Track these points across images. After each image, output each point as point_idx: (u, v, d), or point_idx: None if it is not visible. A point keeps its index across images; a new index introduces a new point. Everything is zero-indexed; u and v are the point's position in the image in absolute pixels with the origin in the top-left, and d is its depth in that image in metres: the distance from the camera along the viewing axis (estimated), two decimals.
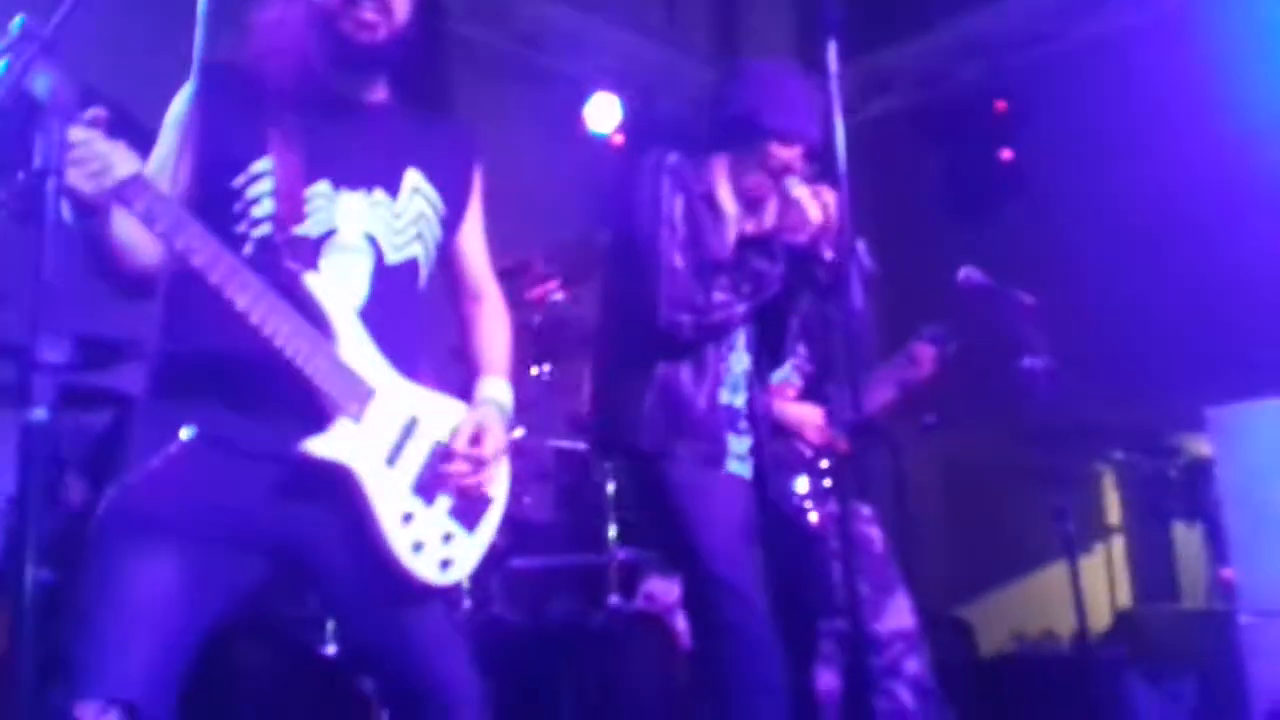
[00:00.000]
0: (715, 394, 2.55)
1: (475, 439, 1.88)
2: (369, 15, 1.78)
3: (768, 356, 2.76)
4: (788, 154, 2.60)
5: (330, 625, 2.84)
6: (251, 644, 2.62)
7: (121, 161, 1.55)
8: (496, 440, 1.91)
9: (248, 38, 1.85)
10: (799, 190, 2.53)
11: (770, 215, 2.65)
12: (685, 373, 2.54)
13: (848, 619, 3.07)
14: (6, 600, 1.28)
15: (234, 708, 2.49)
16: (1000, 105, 6.14)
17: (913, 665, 3.17)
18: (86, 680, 1.60)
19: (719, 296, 2.50)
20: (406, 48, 1.85)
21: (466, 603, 3.15)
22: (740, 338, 2.67)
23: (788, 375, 3.07)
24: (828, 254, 2.42)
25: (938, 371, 3.66)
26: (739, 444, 2.62)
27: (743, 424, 2.64)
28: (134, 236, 1.69)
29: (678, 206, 2.54)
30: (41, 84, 1.37)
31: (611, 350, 2.68)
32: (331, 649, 2.82)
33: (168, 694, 1.67)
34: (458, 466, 1.85)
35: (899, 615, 3.22)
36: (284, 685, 2.63)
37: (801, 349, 2.97)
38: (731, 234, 2.61)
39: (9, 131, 1.41)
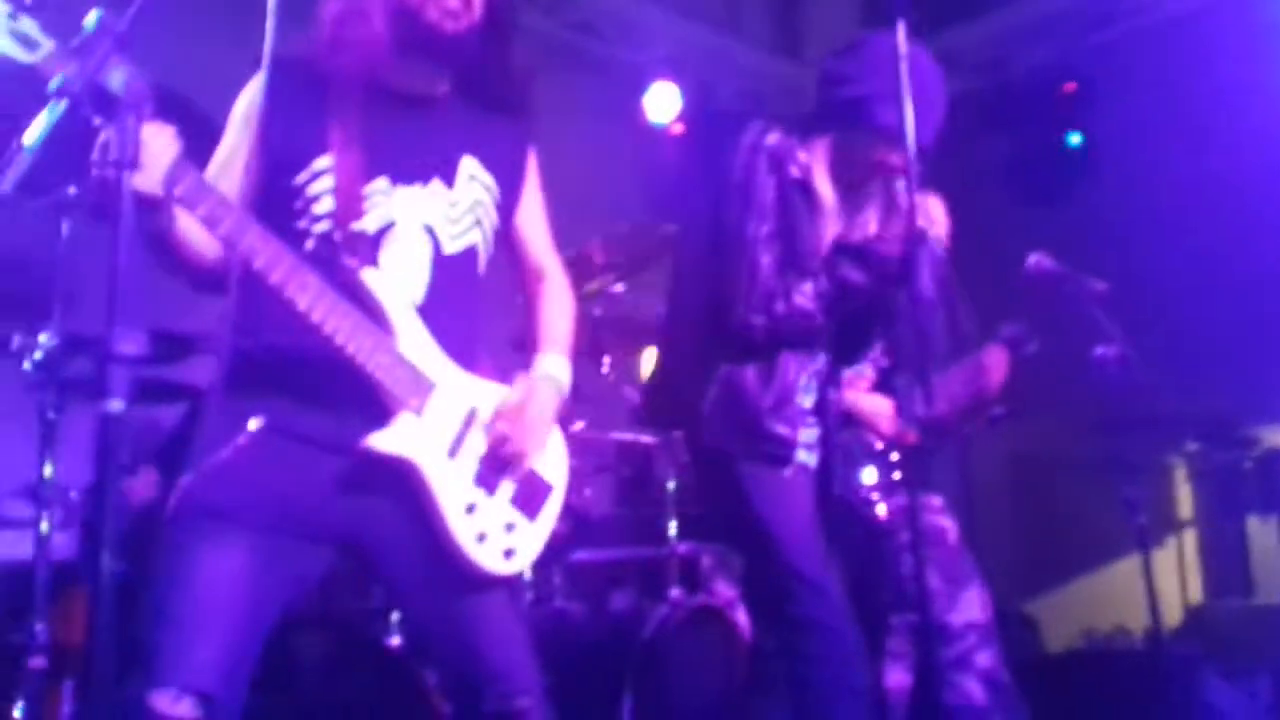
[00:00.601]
0: (783, 396, 2.47)
1: (520, 405, 1.88)
2: (454, 4, 1.80)
3: (844, 356, 2.67)
4: (890, 153, 2.44)
5: (394, 617, 2.86)
6: (316, 635, 2.65)
7: (163, 148, 1.55)
8: (540, 408, 1.91)
9: (318, 29, 1.85)
10: (916, 201, 2.27)
11: (873, 219, 2.55)
12: (751, 373, 2.45)
13: (918, 612, 3.03)
14: (83, 591, 1.30)
15: (298, 699, 2.51)
16: (1069, 87, 6.01)
17: (984, 658, 3.10)
18: (161, 669, 1.63)
19: (800, 301, 2.39)
20: (481, 40, 1.86)
21: (529, 595, 3.16)
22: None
23: (861, 367, 3.01)
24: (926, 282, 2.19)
25: (1010, 376, 3.58)
26: (805, 434, 2.56)
27: (810, 418, 2.58)
28: (198, 235, 1.71)
29: (770, 193, 2.43)
30: (116, 78, 1.38)
31: (680, 336, 2.61)
32: (395, 641, 2.84)
33: (239, 682, 1.70)
34: (498, 428, 1.85)
35: (971, 608, 3.15)
36: (347, 677, 2.65)
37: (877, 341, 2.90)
38: (828, 226, 2.50)
39: (81, 127, 1.43)
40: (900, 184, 2.37)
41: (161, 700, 1.61)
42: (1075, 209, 6.01)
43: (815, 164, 2.51)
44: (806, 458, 2.56)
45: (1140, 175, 5.71)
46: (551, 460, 1.97)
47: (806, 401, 2.55)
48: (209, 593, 1.68)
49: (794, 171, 2.48)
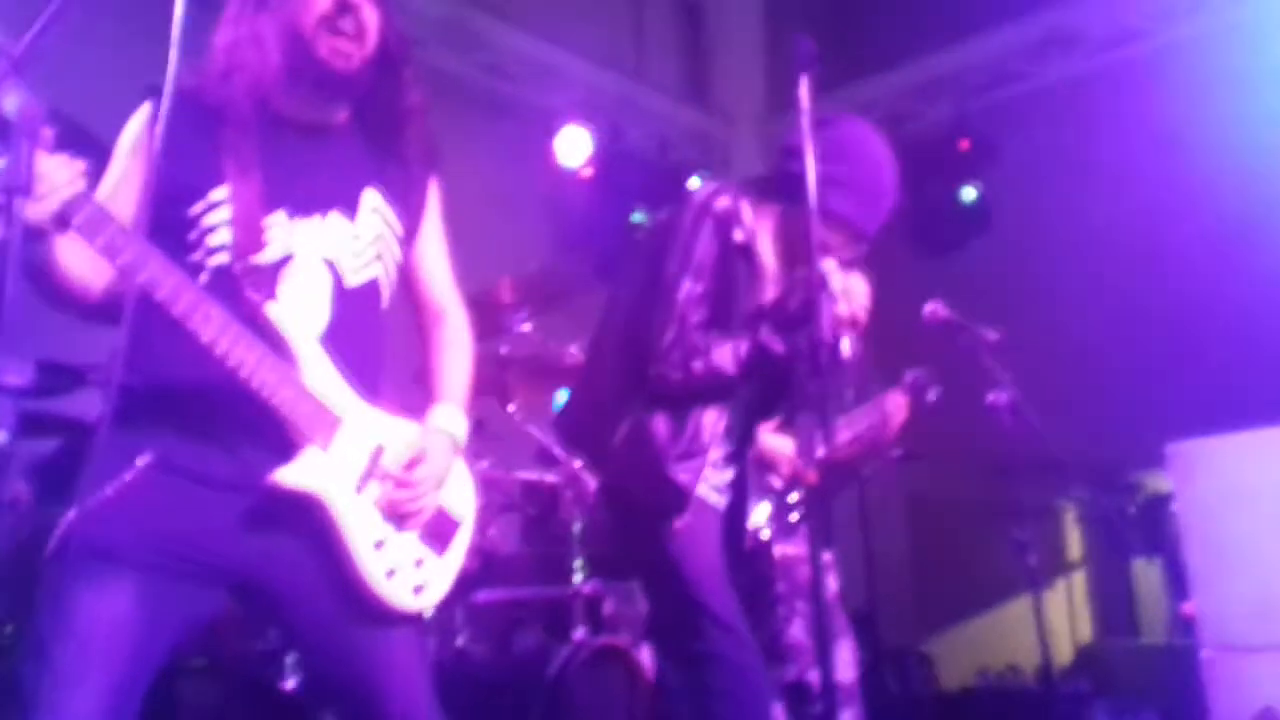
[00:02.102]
0: (690, 448, 2.48)
1: (410, 464, 1.84)
2: (345, 44, 1.78)
3: (761, 412, 2.69)
4: (833, 237, 2.46)
5: (289, 660, 2.78)
6: (206, 680, 2.57)
7: (68, 180, 1.51)
8: (434, 466, 1.87)
9: (211, 57, 1.82)
10: (836, 278, 2.36)
11: (799, 289, 2.56)
12: (661, 420, 2.47)
13: (793, 668, 3.06)
14: None
15: None
16: (964, 144, 6.23)
17: (845, 718, 3.14)
18: (40, 712, 1.56)
19: (719, 361, 2.42)
20: (374, 76, 1.84)
21: (431, 636, 3.10)
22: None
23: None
24: (845, 347, 2.22)
25: (909, 421, 3.66)
26: (718, 476, 2.60)
27: (724, 462, 2.59)
28: (81, 267, 1.66)
29: (712, 254, 2.47)
30: (10, 102, 1.35)
31: (599, 372, 2.63)
32: (290, 684, 2.77)
33: None
34: (389, 489, 1.81)
35: (841, 668, 3.19)
36: None
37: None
38: (766, 291, 2.55)
39: None
40: (830, 265, 2.37)
41: None
42: (970, 261, 6.22)
43: (761, 230, 2.56)
44: (717, 499, 2.58)
45: (1032, 229, 5.95)
46: (459, 494, 1.95)
47: (715, 454, 2.56)
48: (91, 635, 1.61)
49: (738, 235, 2.52)
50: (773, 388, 2.63)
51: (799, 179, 2.46)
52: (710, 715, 2.36)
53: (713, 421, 2.52)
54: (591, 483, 3.58)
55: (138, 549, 1.65)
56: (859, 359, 2.55)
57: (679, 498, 2.46)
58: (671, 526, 2.43)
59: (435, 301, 2.07)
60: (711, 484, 2.56)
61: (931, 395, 3.74)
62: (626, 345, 2.55)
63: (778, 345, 2.44)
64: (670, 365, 2.41)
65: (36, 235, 1.54)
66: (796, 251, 2.57)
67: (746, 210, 2.53)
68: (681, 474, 2.46)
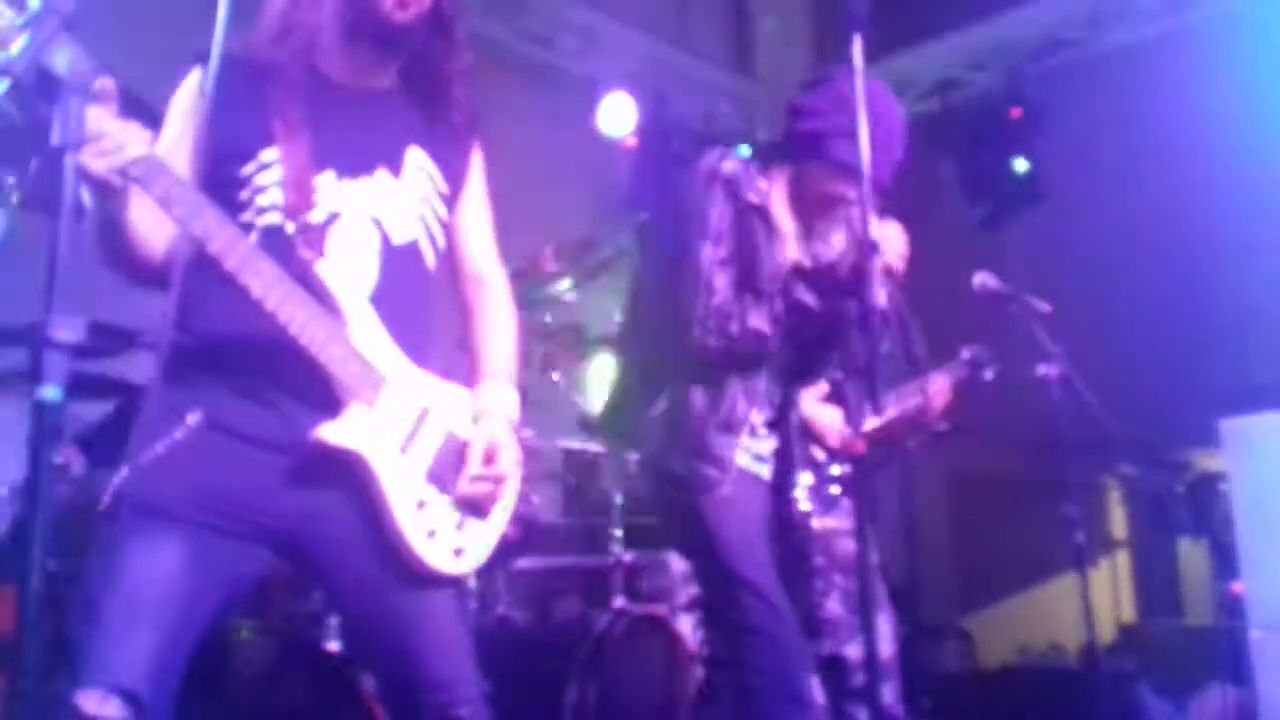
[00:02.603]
0: (729, 419, 2.47)
1: (489, 457, 1.86)
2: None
3: (801, 376, 2.68)
4: (843, 188, 2.47)
5: (332, 621, 2.81)
6: (252, 639, 2.60)
7: (134, 140, 1.54)
8: (511, 454, 1.89)
9: (264, 19, 1.83)
10: (871, 230, 2.26)
11: (835, 246, 2.56)
12: (699, 394, 2.47)
13: (829, 642, 3.04)
14: (13, 586, 1.26)
15: (233, 704, 2.46)
16: (1015, 112, 6.11)
17: (883, 694, 3.11)
18: (88, 669, 1.58)
19: (755, 324, 2.42)
20: (427, 32, 1.85)
21: (472, 603, 3.12)
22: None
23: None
24: (881, 298, 2.17)
25: (951, 403, 3.62)
26: (760, 445, 2.58)
27: (766, 430, 2.59)
28: (147, 225, 1.68)
29: (727, 218, 2.46)
30: (62, 59, 1.34)
31: (635, 350, 2.64)
32: (333, 645, 2.79)
33: (170, 683, 1.65)
34: (480, 486, 1.84)
35: (880, 642, 3.16)
36: (283, 681, 2.60)
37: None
38: (785, 251, 2.53)
39: (23, 110, 1.39)
40: (861, 225, 2.32)
41: (88, 701, 1.55)
42: (1021, 232, 6.12)
43: (774, 191, 2.55)
44: (758, 469, 2.57)
45: (1084, 201, 5.84)
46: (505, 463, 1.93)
47: (757, 419, 2.56)
48: (140, 592, 1.63)
49: (751, 197, 2.50)
50: (812, 349, 2.61)
51: (809, 136, 2.49)
52: (744, 686, 2.36)
53: (751, 390, 2.51)
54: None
55: (187, 507, 1.67)
56: (900, 313, 2.52)
57: (719, 471, 2.45)
58: (710, 497, 2.43)
59: (475, 268, 2.06)
60: (753, 453, 2.54)
61: (989, 374, 3.69)
62: (654, 322, 2.55)
63: (811, 300, 2.44)
64: (708, 331, 2.40)
65: (104, 190, 1.56)
66: (814, 210, 2.56)
67: (755, 172, 2.52)
68: (721, 448, 2.45)
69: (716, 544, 2.41)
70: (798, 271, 2.51)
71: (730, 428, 2.46)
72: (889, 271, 2.36)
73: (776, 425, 2.61)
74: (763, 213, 2.51)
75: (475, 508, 1.87)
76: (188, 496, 1.67)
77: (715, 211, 2.45)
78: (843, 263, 2.51)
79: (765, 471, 2.59)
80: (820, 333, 2.56)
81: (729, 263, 2.44)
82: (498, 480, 1.86)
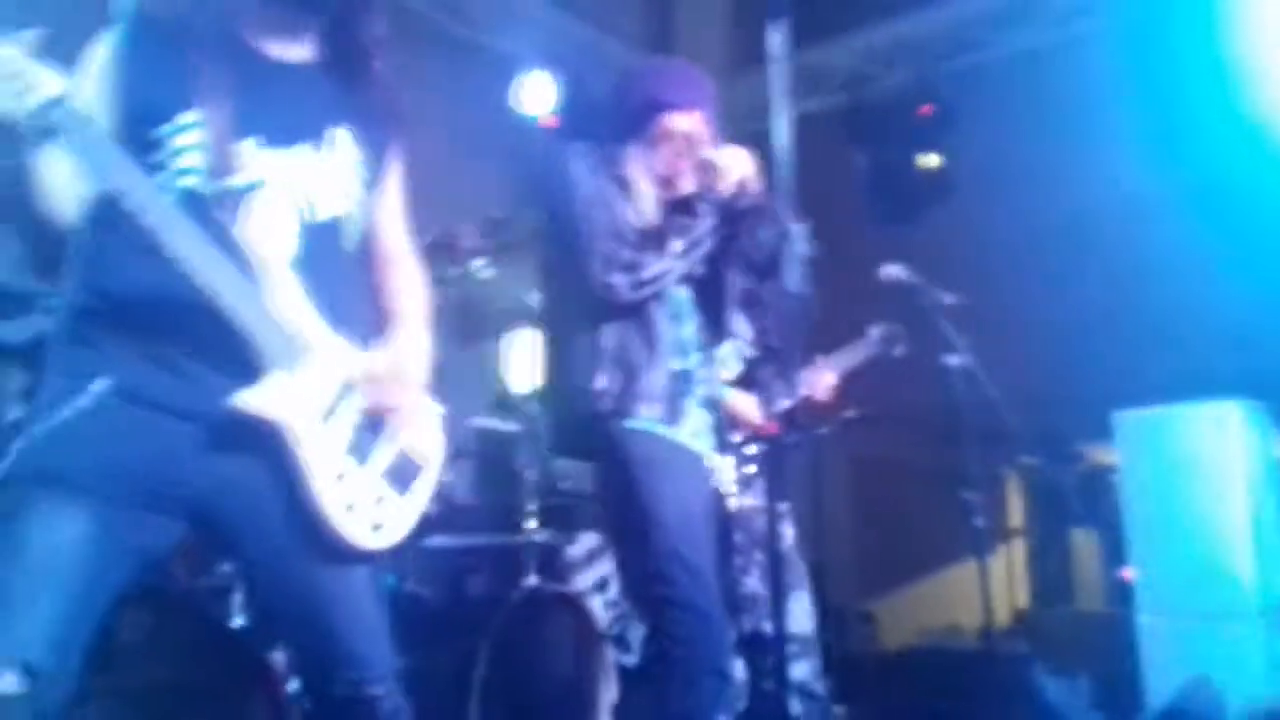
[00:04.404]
0: (667, 359, 2.56)
1: (390, 365, 1.86)
2: None
3: (710, 325, 2.75)
4: (686, 123, 2.67)
5: (237, 597, 2.74)
6: (150, 614, 2.52)
7: (47, 82, 1.49)
8: (409, 366, 1.90)
9: None
10: (709, 153, 2.60)
11: (686, 184, 2.68)
12: (635, 341, 2.55)
13: (749, 619, 3.08)
14: None
15: (134, 678, 2.39)
16: (925, 110, 6.23)
17: (800, 669, 3.17)
18: None
19: (649, 256, 2.53)
20: (308, 6, 1.83)
21: (387, 580, 3.08)
22: (683, 303, 2.68)
23: (729, 355, 3.05)
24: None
25: (863, 381, 3.69)
26: (701, 418, 2.61)
27: (701, 390, 2.64)
28: (59, 183, 1.64)
29: (591, 183, 2.58)
30: None
31: (559, 328, 2.68)
32: (238, 621, 2.73)
33: (71, 657, 1.59)
34: (370, 389, 1.81)
35: (796, 618, 3.23)
36: (186, 657, 2.53)
37: (745, 330, 2.95)
38: (649, 213, 2.63)
39: None
40: (700, 146, 2.63)
41: None
42: (930, 228, 6.24)
43: (629, 162, 2.67)
44: (698, 445, 2.59)
45: (990, 198, 5.98)
46: (426, 437, 1.92)
47: (691, 363, 2.63)
48: (41, 563, 1.57)
49: (609, 170, 2.63)
50: (708, 291, 2.69)
51: (640, 105, 2.69)
52: (667, 658, 2.37)
53: (674, 335, 2.60)
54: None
55: (93, 476, 1.61)
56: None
57: (673, 405, 2.53)
58: (655, 466, 2.46)
59: (389, 251, 2.04)
60: (690, 429, 2.57)
61: (898, 351, 3.77)
62: (564, 290, 2.63)
63: (692, 220, 2.55)
64: (607, 269, 2.49)
65: (16, 135, 1.52)
66: (666, 171, 2.69)
67: (607, 154, 2.65)
68: (667, 389, 2.52)
69: (652, 516, 2.43)
70: (669, 204, 2.64)
71: (660, 357, 2.55)
72: (744, 181, 2.54)
73: (710, 403, 2.65)
74: (621, 180, 2.63)
75: (397, 470, 1.84)
76: (93, 466, 1.61)
77: (580, 178, 2.58)
78: (697, 191, 2.64)
79: (704, 449, 2.62)
80: (711, 260, 2.66)
81: (606, 207, 2.56)
82: (377, 383, 1.82)
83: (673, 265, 2.54)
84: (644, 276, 2.51)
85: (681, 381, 2.59)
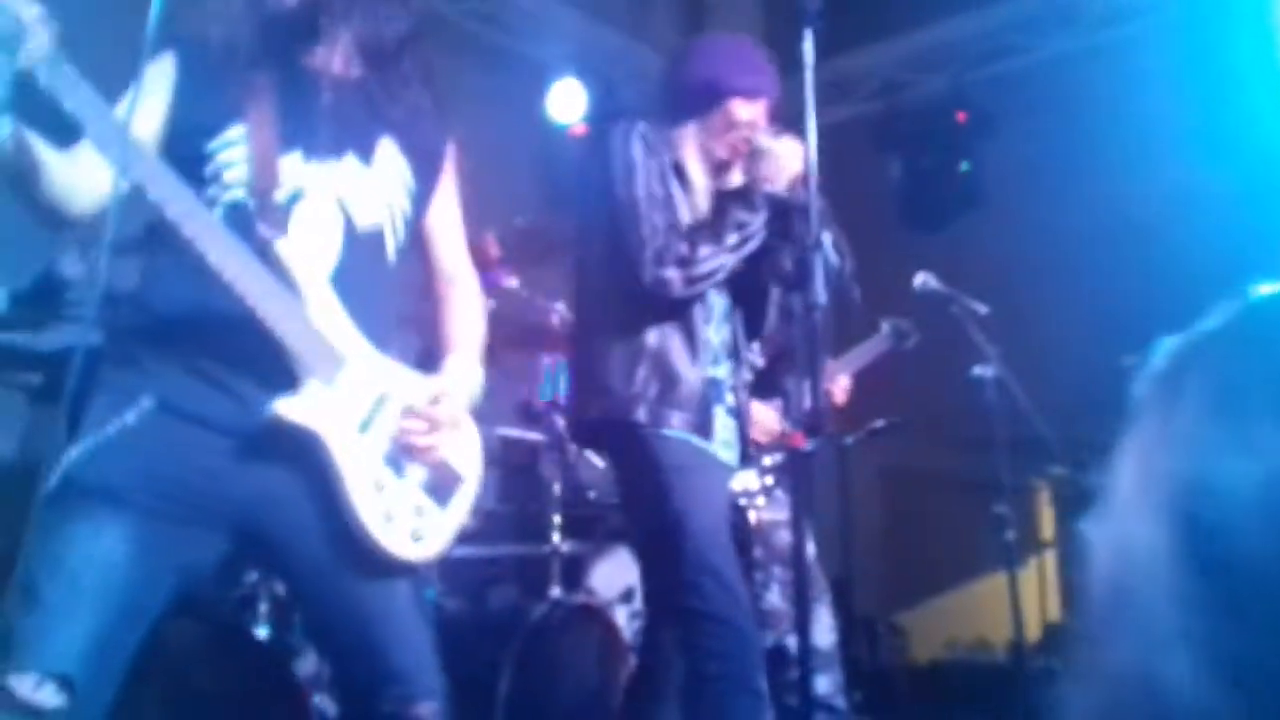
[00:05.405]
0: (704, 365, 2.50)
1: (434, 400, 1.83)
2: None
3: (746, 328, 2.70)
4: (752, 111, 2.61)
5: (263, 606, 2.76)
6: (178, 623, 2.53)
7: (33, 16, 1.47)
8: (455, 405, 1.86)
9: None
10: (768, 142, 2.53)
11: (737, 175, 2.63)
12: (677, 342, 2.48)
13: (771, 634, 3.05)
14: None
15: (162, 689, 2.40)
16: (961, 117, 6.18)
17: (822, 684, 3.14)
18: (23, 653, 1.52)
19: (704, 250, 2.44)
20: (330, 10, 1.82)
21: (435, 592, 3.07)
22: (718, 308, 2.63)
23: (751, 357, 3.02)
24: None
25: (848, 405, 3.66)
26: (726, 429, 2.57)
27: (729, 398, 2.59)
28: (76, 176, 1.65)
29: (654, 168, 2.50)
30: None
31: (595, 328, 2.59)
32: (263, 631, 2.74)
33: (110, 670, 1.60)
34: (412, 424, 1.80)
35: (820, 632, 3.19)
36: (212, 667, 2.54)
37: (754, 344, 2.90)
38: (702, 204, 2.58)
39: None
40: (758, 134, 2.56)
41: (22, 685, 1.51)
42: (962, 234, 6.19)
43: (685, 147, 2.60)
44: (727, 454, 2.56)
45: (1024, 204, 5.92)
46: (465, 451, 1.91)
47: (721, 372, 2.59)
48: (83, 576, 1.58)
49: (668, 155, 2.55)
50: (750, 294, 2.66)
51: (704, 85, 2.62)
52: (701, 675, 2.32)
53: (708, 340, 2.55)
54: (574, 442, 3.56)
55: (137, 491, 1.62)
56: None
57: (705, 416, 2.47)
58: (686, 477, 2.41)
59: (446, 266, 2.04)
60: (721, 439, 2.53)
61: (911, 342, 3.75)
62: (606, 286, 2.55)
63: (745, 215, 2.47)
64: (660, 264, 2.40)
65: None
66: (721, 159, 2.64)
67: (663, 134, 2.58)
68: (703, 397, 2.47)
69: (683, 527, 2.37)
70: (724, 194, 2.57)
71: (704, 362, 2.49)
72: (801, 176, 2.44)
73: (737, 411, 2.61)
74: (678, 169, 2.56)
75: (436, 482, 1.83)
76: (138, 481, 1.62)
77: (642, 163, 2.49)
78: (757, 178, 2.57)
79: (732, 457, 2.59)
80: (758, 261, 2.58)
81: (664, 207, 2.48)
82: (431, 422, 1.81)
83: (726, 260, 2.46)
84: (698, 272, 2.43)
85: (712, 389, 2.54)
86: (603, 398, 2.49)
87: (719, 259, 2.44)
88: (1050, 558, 6.05)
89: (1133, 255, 5.46)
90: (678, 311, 2.49)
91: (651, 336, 2.47)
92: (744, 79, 2.62)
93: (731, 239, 2.46)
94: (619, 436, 2.51)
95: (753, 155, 2.56)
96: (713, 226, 2.47)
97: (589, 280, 2.66)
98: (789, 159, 2.48)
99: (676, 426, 2.44)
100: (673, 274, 2.41)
